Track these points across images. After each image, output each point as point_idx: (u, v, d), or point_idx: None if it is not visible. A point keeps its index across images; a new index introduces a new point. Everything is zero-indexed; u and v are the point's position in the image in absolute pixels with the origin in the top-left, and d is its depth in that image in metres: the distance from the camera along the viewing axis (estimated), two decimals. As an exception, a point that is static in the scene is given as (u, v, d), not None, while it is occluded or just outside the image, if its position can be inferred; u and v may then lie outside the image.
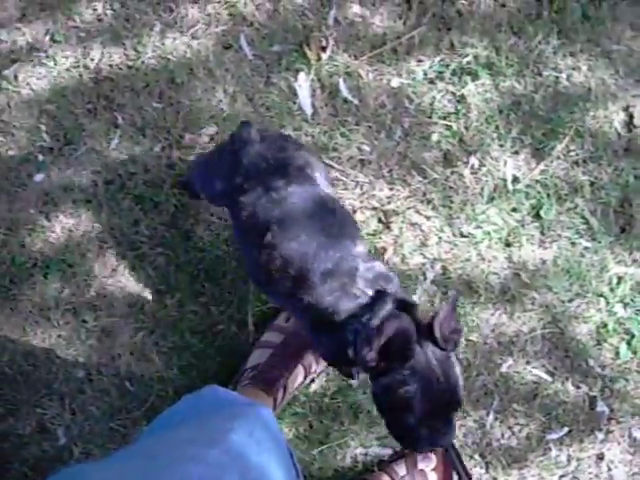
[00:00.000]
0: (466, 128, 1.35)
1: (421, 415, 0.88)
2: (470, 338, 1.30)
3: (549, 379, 1.30)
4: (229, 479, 0.71)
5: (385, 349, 0.88)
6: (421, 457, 1.25)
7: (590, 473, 1.29)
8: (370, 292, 0.96)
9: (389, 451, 1.29)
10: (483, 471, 1.28)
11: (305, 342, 1.26)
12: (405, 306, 0.93)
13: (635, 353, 1.31)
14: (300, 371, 1.26)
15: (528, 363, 1.30)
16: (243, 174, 1.03)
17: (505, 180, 1.34)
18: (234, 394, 1.07)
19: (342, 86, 1.35)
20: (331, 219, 1.01)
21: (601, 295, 1.32)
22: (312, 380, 1.29)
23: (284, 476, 0.84)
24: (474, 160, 1.34)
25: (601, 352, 1.31)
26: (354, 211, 1.32)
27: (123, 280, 1.34)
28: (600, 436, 1.29)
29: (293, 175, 1.02)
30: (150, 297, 1.33)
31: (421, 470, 1.25)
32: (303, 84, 1.35)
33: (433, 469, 1.26)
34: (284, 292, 1.01)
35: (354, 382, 1.28)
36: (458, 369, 0.91)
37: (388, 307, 0.93)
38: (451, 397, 0.90)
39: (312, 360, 1.27)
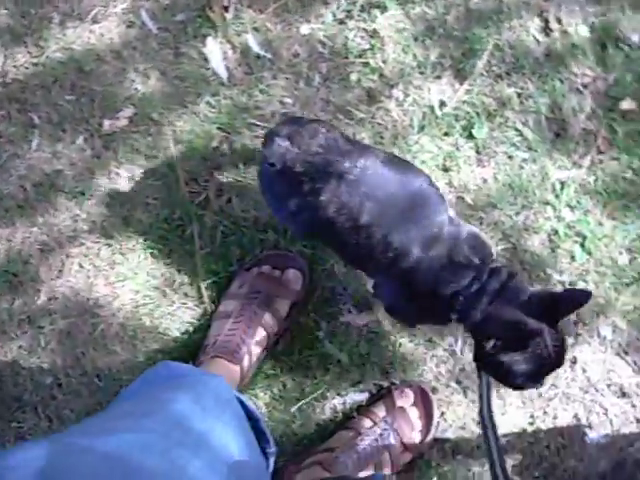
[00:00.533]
0: (384, 62, 1.33)
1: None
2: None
3: (510, 294, 1.30)
4: (164, 444, 0.71)
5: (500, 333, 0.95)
6: (398, 393, 1.25)
7: (567, 378, 1.30)
8: (476, 260, 0.96)
9: (366, 395, 1.28)
10: (462, 397, 1.29)
11: (262, 304, 1.25)
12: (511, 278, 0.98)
13: (590, 253, 1.31)
14: (262, 334, 1.25)
15: (487, 283, 1.30)
16: (307, 179, 0.96)
17: (432, 107, 1.32)
18: (187, 367, 1.06)
19: (252, 43, 1.33)
20: (414, 181, 0.97)
21: (547, 203, 1.32)
22: (276, 341, 1.28)
23: (235, 440, 0.84)
24: (398, 93, 1.32)
25: (557, 259, 1.31)
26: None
27: (71, 279, 1.32)
28: (570, 340, 1.30)
29: (349, 151, 0.96)
30: (102, 290, 1.31)
31: (400, 407, 1.25)
32: (213, 48, 1.33)
33: (412, 404, 1.26)
34: (385, 266, 0.99)
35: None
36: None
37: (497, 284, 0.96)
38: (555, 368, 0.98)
39: (272, 321, 1.26)
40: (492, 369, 1.00)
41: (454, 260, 0.96)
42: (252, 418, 1.03)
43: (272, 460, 1.06)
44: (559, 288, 1.29)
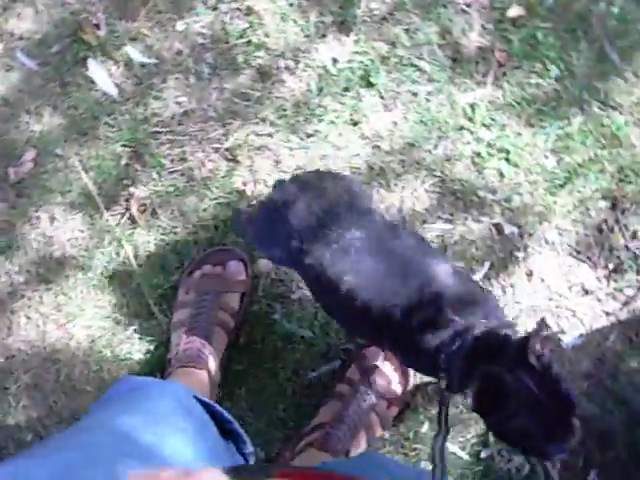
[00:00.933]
0: (266, 36, 1.32)
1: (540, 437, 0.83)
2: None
3: (450, 227, 1.30)
4: (110, 458, 0.70)
5: (480, 396, 0.83)
6: (368, 353, 1.25)
7: (528, 292, 1.30)
8: (458, 320, 0.89)
9: (338, 362, 1.28)
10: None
11: (212, 304, 1.24)
12: (494, 337, 0.88)
13: (517, 166, 1.31)
14: (220, 332, 1.24)
15: (425, 222, 1.30)
16: (298, 236, 0.95)
17: (325, 66, 1.31)
18: (147, 379, 1.05)
19: (133, 53, 1.31)
20: (400, 248, 0.94)
21: (462, 128, 1.31)
22: (237, 336, 1.28)
23: (192, 446, 0.83)
24: (288, 62, 1.31)
25: (486, 180, 1.31)
26: (202, 164, 1.30)
27: (22, 333, 1.30)
28: (520, 255, 1.30)
29: (346, 219, 0.95)
30: (55, 334, 1.30)
31: (373, 365, 1.24)
32: (96, 69, 1.31)
33: (384, 359, 1.25)
34: (370, 331, 0.98)
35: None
36: (563, 384, 0.82)
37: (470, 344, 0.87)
38: (565, 411, 0.82)
39: (227, 317, 1.25)
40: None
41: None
42: (223, 420, 1.03)
43: (252, 459, 1.06)
44: (497, 210, 1.29)
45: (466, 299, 0.93)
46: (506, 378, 0.81)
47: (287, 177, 1.06)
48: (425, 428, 1.25)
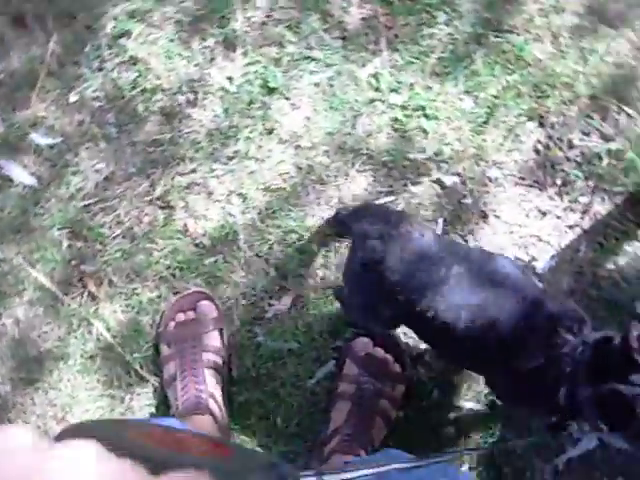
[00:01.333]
0: (158, 78, 1.32)
1: None
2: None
3: (393, 198, 1.29)
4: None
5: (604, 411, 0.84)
6: (356, 345, 1.25)
7: (488, 234, 1.30)
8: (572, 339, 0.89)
9: (332, 363, 1.28)
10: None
11: (195, 349, 1.25)
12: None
13: (437, 118, 1.31)
14: (211, 374, 1.24)
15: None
16: (401, 289, 0.94)
17: (224, 87, 1.32)
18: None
19: (38, 138, 1.32)
20: (499, 273, 0.94)
21: (372, 101, 1.32)
22: (229, 370, 1.28)
23: None
24: (187, 96, 1.32)
25: (412, 141, 1.31)
26: (139, 220, 1.30)
27: (27, 437, 1.31)
28: (469, 201, 1.30)
29: (442, 257, 0.94)
30: (57, 428, 1.30)
31: (366, 355, 1.25)
32: (8, 166, 1.31)
33: (374, 345, 1.26)
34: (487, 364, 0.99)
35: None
36: None
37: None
38: None
39: (213, 356, 1.25)
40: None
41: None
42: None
43: None
44: (433, 167, 1.30)
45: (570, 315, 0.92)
46: (624, 391, 0.81)
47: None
48: (435, 395, 1.25)
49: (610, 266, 1.30)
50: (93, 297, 1.30)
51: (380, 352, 1.26)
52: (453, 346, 0.99)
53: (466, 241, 1.29)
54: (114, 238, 1.30)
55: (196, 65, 1.32)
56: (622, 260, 1.31)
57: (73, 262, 1.31)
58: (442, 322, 0.93)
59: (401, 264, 0.94)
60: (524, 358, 0.91)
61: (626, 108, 1.34)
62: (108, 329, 1.29)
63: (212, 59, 1.32)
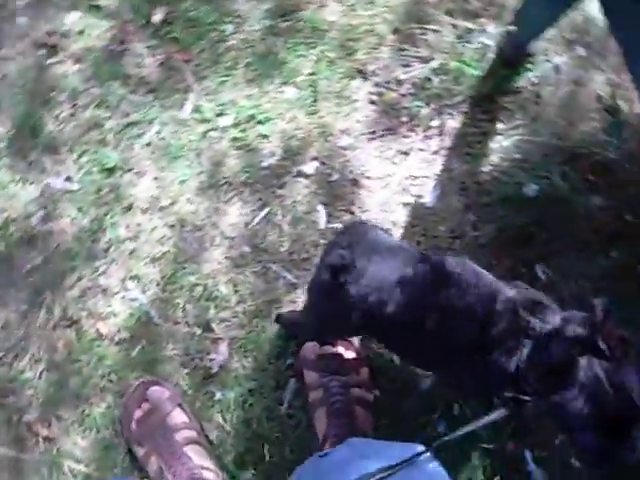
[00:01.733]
0: (3, 210, 1.31)
1: (599, 432, 0.85)
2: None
3: (266, 210, 1.31)
4: None
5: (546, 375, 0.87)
6: (305, 353, 1.27)
7: (365, 196, 1.33)
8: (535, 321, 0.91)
9: (292, 380, 1.30)
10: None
11: (166, 436, 1.24)
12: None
13: (270, 119, 1.33)
14: (193, 449, 1.22)
15: (247, 225, 1.32)
16: (372, 291, 0.96)
17: (67, 189, 1.31)
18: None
19: None
20: (456, 274, 0.97)
21: (206, 133, 1.33)
22: (207, 437, 1.27)
23: None
24: (37, 215, 1.31)
25: (259, 150, 1.33)
26: (55, 349, 1.29)
27: None
28: (334, 177, 1.33)
29: (405, 262, 0.97)
30: None
31: (318, 356, 1.26)
32: None
33: (320, 346, 1.28)
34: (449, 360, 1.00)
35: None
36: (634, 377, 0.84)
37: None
38: (627, 409, 0.83)
39: (186, 433, 1.24)
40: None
41: None
42: None
43: None
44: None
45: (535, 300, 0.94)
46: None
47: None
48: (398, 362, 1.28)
49: (486, 169, 1.35)
50: (49, 440, 1.28)
51: (329, 348, 1.28)
52: (420, 348, 1.01)
53: (352, 213, 1.32)
54: (40, 376, 1.29)
55: (31, 183, 1.31)
56: (494, 158, 1.36)
57: (14, 418, 1.29)
58: (409, 322, 0.96)
59: (366, 268, 0.96)
60: (491, 347, 0.93)
61: (428, 26, 1.38)
62: (78, 461, 1.28)
63: (43, 169, 1.32)
